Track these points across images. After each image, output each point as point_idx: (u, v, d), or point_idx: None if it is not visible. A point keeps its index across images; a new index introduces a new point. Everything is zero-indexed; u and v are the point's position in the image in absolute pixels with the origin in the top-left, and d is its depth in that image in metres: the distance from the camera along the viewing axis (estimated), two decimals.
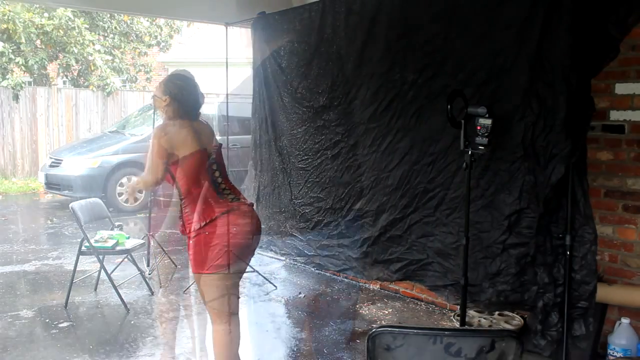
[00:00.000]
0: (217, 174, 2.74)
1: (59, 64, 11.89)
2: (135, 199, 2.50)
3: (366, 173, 3.53)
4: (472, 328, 3.34)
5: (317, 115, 4.11)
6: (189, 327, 3.93)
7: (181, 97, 2.73)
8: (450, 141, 3.14)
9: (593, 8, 2.51)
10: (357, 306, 4.26)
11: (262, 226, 3.17)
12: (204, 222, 2.63)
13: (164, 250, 5.13)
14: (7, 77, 11.16)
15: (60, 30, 11.06)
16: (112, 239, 4.29)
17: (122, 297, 4.23)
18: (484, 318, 3.59)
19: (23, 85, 11.13)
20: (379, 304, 4.29)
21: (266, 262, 5.36)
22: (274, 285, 4.70)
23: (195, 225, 2.65)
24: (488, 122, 2.74)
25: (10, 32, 10.71)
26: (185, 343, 3.65)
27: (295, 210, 4.39)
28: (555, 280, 2.78)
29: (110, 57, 12.08)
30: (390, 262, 3.54)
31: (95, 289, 4.62)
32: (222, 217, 2.65)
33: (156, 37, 13.01)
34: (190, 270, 2.51)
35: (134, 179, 2.84)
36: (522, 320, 3.47)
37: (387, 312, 4.15)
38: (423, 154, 3.29)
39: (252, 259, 2.95)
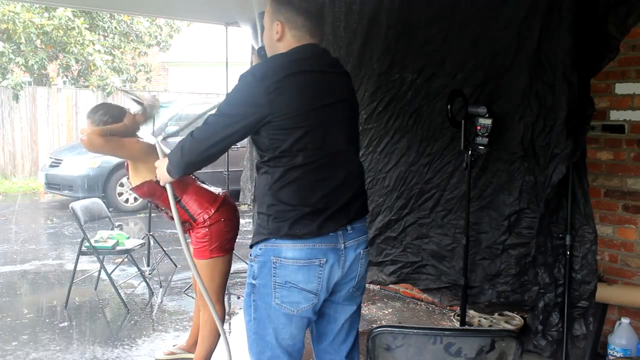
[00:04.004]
0: None
1: (59, 64, 11.89)
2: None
3: None
4: (472, 328, 3.34)
5: None
6: (189, 327, 3.93)
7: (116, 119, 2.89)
8: (448, 142, 3.13)
9: (593, 8, 2.51)
10: None
11: None
12: (213, 210, 2.80)
13: (164, 250, 5.13)
14: (7, 77, 11.15)
15: (60, 30, 11.05)
16: (112, 239, 4.30)
17: (122, 297, 4.24)
18: (484, 318, 3.59)
19: (23, 85, 11.13)
20: (379, 304, 4.29)
21: None
22: None
23: (204, 215, 2.80)
24: (488, 122, 2.73)
25: (10, 32, 10.71)
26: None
27: None
28: (556, 280, 2.78)
29: (110, 57, 12.08)
30: (384, 265, 3.51)
31: (96, 289, 4.62)
32: (224, 204, 2.87)
33: (156, 37, 13.01)
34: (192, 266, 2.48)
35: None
36: (522, 320, 3.46)
37: (387, 312, 4.14)
38: (420, 155, 3.27)
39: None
